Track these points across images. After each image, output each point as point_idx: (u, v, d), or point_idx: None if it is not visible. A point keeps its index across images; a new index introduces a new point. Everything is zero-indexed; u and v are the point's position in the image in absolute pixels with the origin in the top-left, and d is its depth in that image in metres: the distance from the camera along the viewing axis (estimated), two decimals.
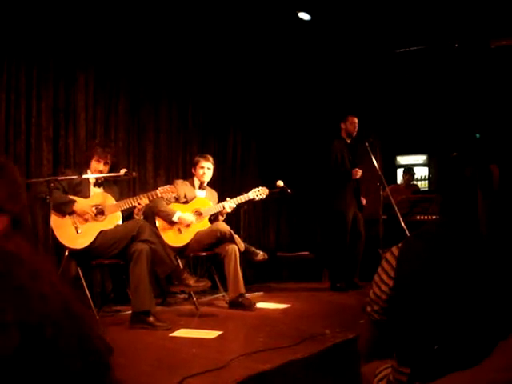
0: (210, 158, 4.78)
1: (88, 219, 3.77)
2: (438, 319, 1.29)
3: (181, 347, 3.04)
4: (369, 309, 1.50)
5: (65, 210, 3.72)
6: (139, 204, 3.94)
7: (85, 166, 3.98)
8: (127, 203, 3.91)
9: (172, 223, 4.44)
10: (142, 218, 4.05)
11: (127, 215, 4.01)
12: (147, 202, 3.99)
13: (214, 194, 4.91)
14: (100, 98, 4.84)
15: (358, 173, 5.42)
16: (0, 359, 0.57)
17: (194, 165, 4.79)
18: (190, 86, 5.74)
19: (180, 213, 4.47)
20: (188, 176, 5.11)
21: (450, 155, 1.47)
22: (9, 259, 0.66)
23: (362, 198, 5.62)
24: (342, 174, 5.48)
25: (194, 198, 4.68)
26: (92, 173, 3.95)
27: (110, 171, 4.01)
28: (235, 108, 6.35)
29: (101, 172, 3.95)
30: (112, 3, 4.77)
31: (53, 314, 0.63)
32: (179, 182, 4.74)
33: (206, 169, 4.74)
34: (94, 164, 3.94)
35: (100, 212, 3.84)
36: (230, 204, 4.64)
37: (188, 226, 4.47)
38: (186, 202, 4.63)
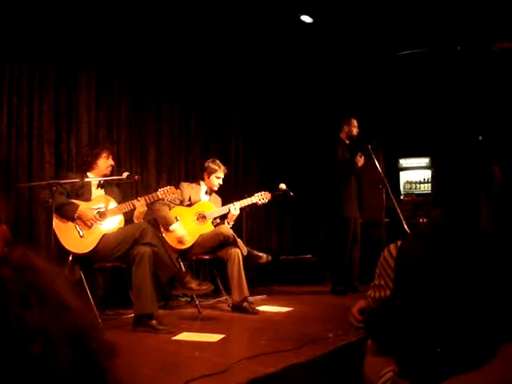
0: (224, 168, 4.77)
1: (91, 225, 3.76)
2: (439, 322, 1.28)
3: (183, 350, 3.04)
4: (372, 294, 1.49)
5: (68, 215, 3.71)
6: (140, 204, 3.92)
7: (89, 166, 3.95)
8: (129, 206, 3.90)
9: (169, 231, 4.42)
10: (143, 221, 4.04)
11: (129, 219, 4.00)
12: (145, 205, 3.96)
13: (218, 200, 4.89)
14: (102, 101, 4.83)
15: (361, 160, 5.43)
16: (58, 377, 0.55)
17: (210, 172, 4.70)
18: (191, 89, 5.73)
19: (177, 225, 4.42)
20: (192, 178, 5.09)
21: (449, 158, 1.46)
22: (37, 273, 0.61)
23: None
24: (347, 165, 5.42)
25: (198, 201, 4.67)
26: (100, 171, 3.96)
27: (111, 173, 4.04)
28: (237, 111, 6.34)
29: (112, 167, 3.99)
30: (113, 5, 4.78)
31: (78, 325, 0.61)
32: (185, 184, 4.73)
33: (221, 179, 4.74)
34: (102, 161, 3.94)
35: (102, 215, 3.84)
36: (235, 206, 4.62)
37: (179, 239, 4.40)
38: (189, 205, 4.62)
